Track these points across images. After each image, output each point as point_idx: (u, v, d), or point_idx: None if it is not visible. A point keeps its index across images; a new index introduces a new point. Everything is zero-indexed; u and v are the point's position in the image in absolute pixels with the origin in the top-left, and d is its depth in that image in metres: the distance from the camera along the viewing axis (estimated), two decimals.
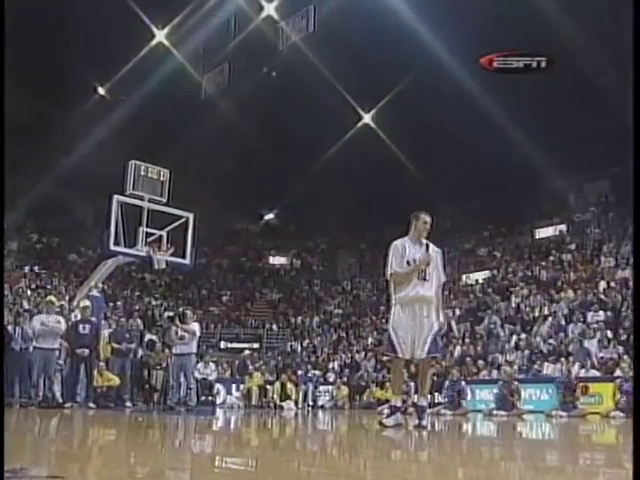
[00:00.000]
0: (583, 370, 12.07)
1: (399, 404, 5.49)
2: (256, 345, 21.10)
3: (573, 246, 19.99)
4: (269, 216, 30.83)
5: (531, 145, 18.05)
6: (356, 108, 21.15)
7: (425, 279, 5.30)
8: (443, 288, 5.58)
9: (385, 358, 15.67)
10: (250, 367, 16.26)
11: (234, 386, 15.34)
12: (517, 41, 12.20)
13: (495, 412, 10.57)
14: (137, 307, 20.44)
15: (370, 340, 19.01)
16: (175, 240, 13.77)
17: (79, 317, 10.55)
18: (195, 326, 10.19)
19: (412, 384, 12.56)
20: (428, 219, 5.42)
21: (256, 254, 28.82)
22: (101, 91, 21.32)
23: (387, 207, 24.72)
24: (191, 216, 13.97)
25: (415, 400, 5.69)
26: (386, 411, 5.59)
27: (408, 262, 5.27)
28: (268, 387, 14.73)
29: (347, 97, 20.08)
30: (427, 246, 5.37)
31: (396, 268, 5.29)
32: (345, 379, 16.21)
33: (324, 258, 29.51)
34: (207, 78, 19.02)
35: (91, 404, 9.67)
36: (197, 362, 12.15)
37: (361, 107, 21.37)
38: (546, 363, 13.21)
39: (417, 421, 5.35)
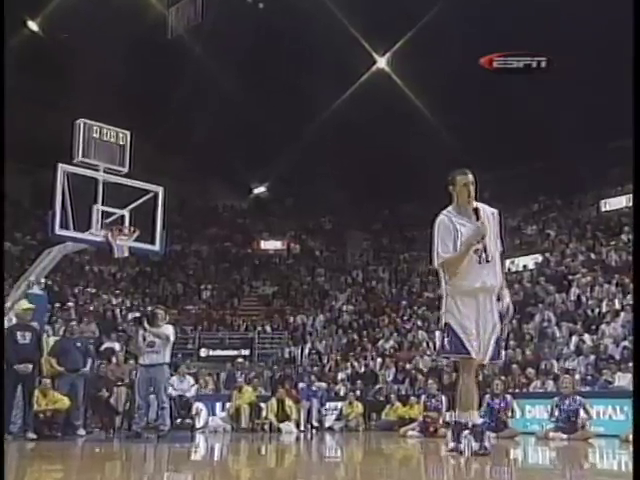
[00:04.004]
0: None
1: (479, 421, 5.39)
2: (246, 352, 21.17)
3: None
4: (260, 189, 30.85)
5: (594, 90, 17.74)
6: (368, 50, 20.91)
7: (487, 260, 5.16)
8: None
9: (444, 361, 15.47)
10: (239, 380, 16.28)
11: (219, 404, 15.34)
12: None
13: (552, 434, 10.45)
14: (92, 307, 20.41)
15: (390, 344, 19.00)
16: (140, 221, 13.64)
17: (14, 321, 10.40)
18: (168, 330, 10.16)
19: (443, 397, 12.60)
20: (469, 178, 5.25)
21: (244, 238, 28.90)
22: (32, 26, 20.88)
23: (408, 176, 24.73)
24: (160, 190, 13.74)
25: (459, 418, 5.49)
26: (471, 437, 5.44)
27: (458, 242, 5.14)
28: (262, 405, 14.72)
29: (356, 36, 19.84)
30: (476, 213, 5.18)
31: (446, 254, 5.13)
32: (358, 393, 16.22)
33: (329, 241, 29.55)
34: (174, 11, 18.68)
35: (31, 434, 9.46)
36: (171, 375, 12.08)
37: (374, 49, 21.16)
38: (619, 372, 13.04)
39: (477, 444, 5.24)
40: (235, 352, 20.61)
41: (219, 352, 20.95)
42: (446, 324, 5.25)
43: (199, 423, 14.22)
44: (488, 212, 5.30)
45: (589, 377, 13.50)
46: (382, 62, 21.59)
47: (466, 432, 10.12)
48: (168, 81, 19.88)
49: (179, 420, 12.94)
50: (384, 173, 24.81)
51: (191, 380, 14.23)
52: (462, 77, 19.96)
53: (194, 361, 19.67)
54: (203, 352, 21.07)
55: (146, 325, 9.98)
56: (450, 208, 5.30)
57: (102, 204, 12.62)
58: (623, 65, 17.29)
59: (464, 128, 20.72)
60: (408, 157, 23.58)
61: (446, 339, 5.28)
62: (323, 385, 16.62)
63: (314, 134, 22.42)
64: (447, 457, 5.25)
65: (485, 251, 5.15)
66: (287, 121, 22.61)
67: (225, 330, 22.74)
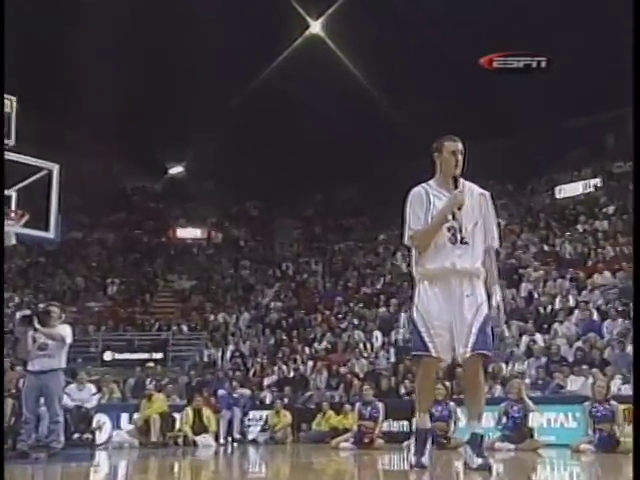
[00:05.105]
0: (626, 386, 12.18)
1: (429, 425, 5.23)
2: (158, 355, 20.99)
3: (611, 209, 20.41)
4: (176, 169, 30.44)
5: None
6: (301, 13, 20.85)
7: (463, 241, 5.07)
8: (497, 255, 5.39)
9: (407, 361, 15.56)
10: (149, 387, 16.05)
11: (125, 416, 15.22)
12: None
13: (498, 445, 10.64)
14: None
15: (323, 344, 19.11)
16: (31, 204, 13.29)
17: None
18: (64, 330, 9.95)
19: (380, 405, 12.71)
20: (458, 146, 5.21)
21: (157, 224, 28.71)
22: None
23: (345, 156, 24.78)
24: (56, 168, 13.42)
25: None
26: (412, 445, 5.32)
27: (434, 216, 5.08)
28: (175, 415, 14.66)
29: None
30: (455, 181, 5.13)
31: (416, 226, 5.07)
32: (286, 401, 16.25)
33: (255, 230, 29.54)
34: None
35: None
36: (67, 383, 11.90)
37: (307, 12, 21.07)
38: (571, 376, 13.38)
39: (477, 459, 5.02)
40: (145, 355, 20.48)
41: (126, 355, 20.72)
42: (410, 317, 5.21)
43: (101, 438, 14.05)
44: (475, 190, 5.25)
45: (540, 381, 13.80)
46: (316, 26, 21.52)
47: (406, 442, 10.16)
48: (64, 36, 19.22)
49: (76, 435, 12.80)
50: (317, 152, 24.79)
51: (92, 388, 14.02)
52: (407, 45, 20.14)
53: (96, 366, 19.48)
54: (107, 356, 20.78)
55: (37, 325, 9.71)
56: (431, 180, 5.25)
57: None
58: (582, 38, 17.97)
59: (407, 103, 20.89)
60: (345, 134, 23.65)
61: (411, 335, 5.23)
62: (246, 392, 16.59)
63: (239, 107, 22.22)
64: (383, 471, 5.21)
65: (461, 231, 5.07)
66: (208, 91, 22.32)
67: (134, 330, 22.56)
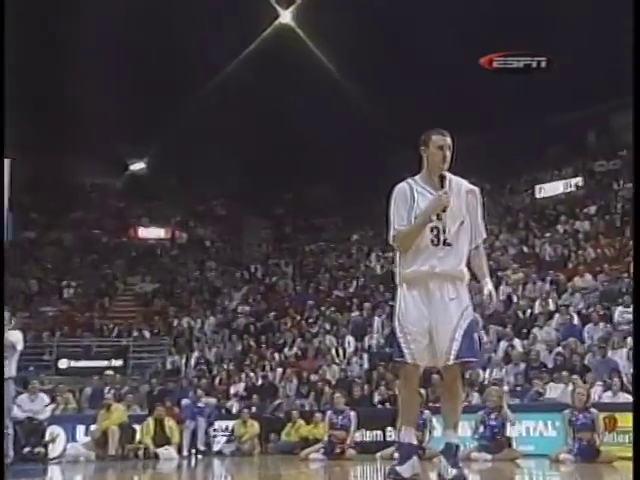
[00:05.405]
0: (608, 394, 12.31)
1: (414, 441, 5.16)
2: (118, 362, 20.85)
3: (593, 209, 20.59)
4: (138, 165, 30.23)
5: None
6: (270, 1, 20.85)
7: (446, 243, 5.04)
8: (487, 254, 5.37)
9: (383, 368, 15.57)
10: (107, 396, 15.83)
11: (81, 428, 15.13)
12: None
13: (475, 455, 10.68)
14: None
15: (293, 350, 19.07)
16: None
17: None
18: (14, 336, 9.99)
19: (352, 413, 12.70)
20: (446, 141, 5.14)
21: (118, 224, 28.53)
22: None
23: (317, 153, 24.77)
24: (7, 163, 13.24)
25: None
26: (396, 454, 5.23)
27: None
28: (135, 426, 14.58)
29: None
30: (441, 180, 5.08)
31: (400, 226, 5.03)
32: (254, 410, 16.17)
33: (222, 229, 29.44)
34: None
35: None
36: (18, 392, 11.89)
37: (277, 1, 21.09)
38: (551, 383, 13.39)
39: (452, 470, 4.96)
40: (104, 363, 20.34)
41: (83, 363, 20.58)
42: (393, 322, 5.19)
43: (54, 451, 13.82)
44: (463, 187, 5.19)
45: (518, 388, 13.85)
46: (286, 15, 21.49)
47: (379, 452, 10.15)
48: (15, 26, 18.95)
49: (27, 449, 12.63)
50: (288, 149, 24.77)
51: (45, 398, 13.87)
52: (381, 36, 20.14)
53: (50, 375, 19.33)
54: (62, 363, 20.58)
55: None
56: (417, 176, 5.20)
57: None
58: (565, 37, 18.18)
59: (381, 97, 20.90)
60: (317, 130, 23.61)
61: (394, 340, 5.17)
62: (212, 401, 16.49)
63: (204, 100, 22.11)
64: None
65: (444, 232, 5.03)
66: (173, 84, 22.19)
67: (92, 336, 22.37)
